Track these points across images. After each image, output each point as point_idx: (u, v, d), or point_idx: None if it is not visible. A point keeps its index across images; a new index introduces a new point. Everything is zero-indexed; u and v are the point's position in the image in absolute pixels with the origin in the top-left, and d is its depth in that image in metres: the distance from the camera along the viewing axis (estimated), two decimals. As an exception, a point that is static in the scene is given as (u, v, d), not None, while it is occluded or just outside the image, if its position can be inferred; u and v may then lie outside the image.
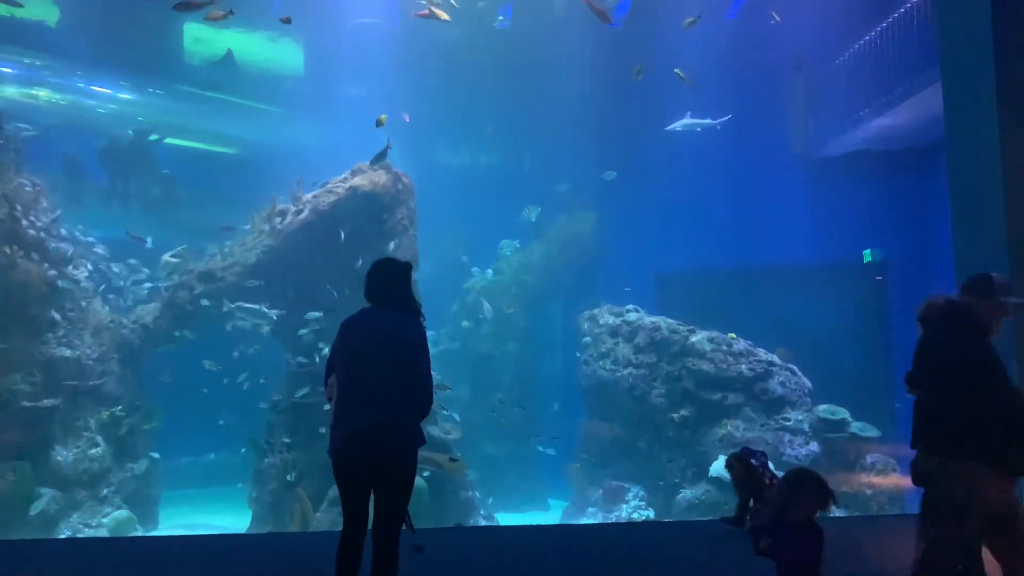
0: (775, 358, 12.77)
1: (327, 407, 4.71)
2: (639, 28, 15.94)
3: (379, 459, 4.27)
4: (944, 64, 8.92)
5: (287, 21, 11.39)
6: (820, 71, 16.68)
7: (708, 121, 15.61)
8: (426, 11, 13.24)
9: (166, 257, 13.42)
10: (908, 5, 13.33)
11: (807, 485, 3.90)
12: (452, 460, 6.42)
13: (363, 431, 4.24)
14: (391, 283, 4.68)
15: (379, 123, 11.61)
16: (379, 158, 12.67)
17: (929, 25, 11.72)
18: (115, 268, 14.11)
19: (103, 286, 13.45)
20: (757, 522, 4.15)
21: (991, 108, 7.74)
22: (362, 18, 16.94)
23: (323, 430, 11.16)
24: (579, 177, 18.80)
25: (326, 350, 11.69)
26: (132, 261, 14.43)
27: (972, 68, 8.10)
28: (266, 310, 12.09)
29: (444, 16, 13.29)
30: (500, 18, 16.88)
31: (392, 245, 12.54)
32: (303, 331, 12.01)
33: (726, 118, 15.62)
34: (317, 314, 11.97)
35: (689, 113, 15.51)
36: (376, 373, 4.33)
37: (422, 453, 4.67)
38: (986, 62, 7.79)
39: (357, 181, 12.68)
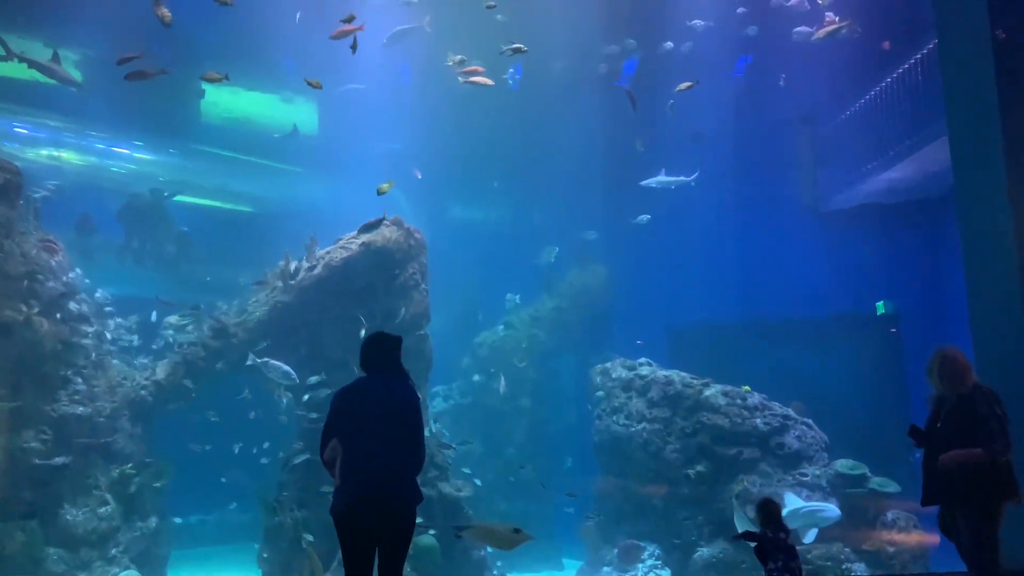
0: (790, 412, 12.61)
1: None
2: (646, 84, 16.20)
3: (388, 510, 4.77)
4: (950, 117, 9.00)
5: (317, 86, 11.51)
6: (827, 125, 16.88)
7: (681, 179, 15.72)
8: (472, 76, 13.46)
9: (171, 319, 13.46)
10: (912, 60, 13.52)
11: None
12: (515, 532, 6.08)
13: (374, 487, 4.75)
14: (385, 354, 5.21)
15: (380, 191, 11.69)
16: (370, 228, 12.81)
17: (934, 79, 11.85)
18: (122, 324, 14.14)
19: (114, 343, 13.49)
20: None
21: (999, 159, 7.79)
22: (355, 85, 17.26)
23: (325, 488, 11.10)
24: (590, 231, 18.92)
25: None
26: (133, 317, 14.44)
27: (978, 119, 8.17)
28: (292, 372, 11.88)
29: (488, 81, 13.54)
30: (511, 71, 17.19)
31: (403, 303, 12.57)
32: (307, 396, 11.98)
33: (696, 175, 15.76)
34: (317, 378, 11.94)
35: (664, 170, 15.63)
36: (380, 435, 4.84)
37: (480, 525, 5.74)
38: (992, 113, 7.86)
39: (369, 237, 12.80)
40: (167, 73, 10.15)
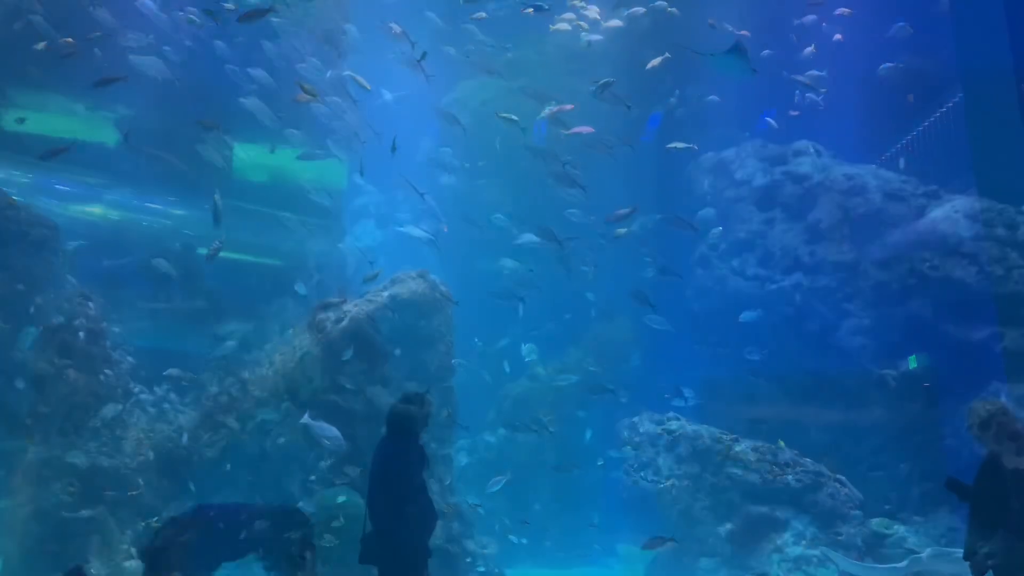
0: (823, 468, 12.36)
1: None
2: (669, 139, 16.31)
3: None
4: (977, 170, 8.96)
5: (361, 171, 12.16)
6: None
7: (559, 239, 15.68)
8: (576, 128, 13.79)
9: (172, 371, 13.51)
10: (937, 114, 13.52)
11: None
12: None
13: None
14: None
15: (367, 280, 12.46)
16: (327, 308, 12.99)
17: (960, 132, 11.83)
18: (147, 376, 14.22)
19: (142, 396, 13.57)
20: None
21: (1029, 212, 7.71)
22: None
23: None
24: (619, 281, 18.83)
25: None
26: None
27: (1005, 172, 8.13)
28: (339, 435, 11.62)
29: (589, 129, 13.91)
30: (537, 127, 17.45)
31: (428, 356, 12.58)
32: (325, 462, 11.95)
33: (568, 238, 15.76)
34: (326, 463, 11.88)
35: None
36: (369, 490, 6.31)
37: None
38: (1019, 165, 7.81)
39: (396, 290, 12.91)
40: (67, 151, 10.71)
